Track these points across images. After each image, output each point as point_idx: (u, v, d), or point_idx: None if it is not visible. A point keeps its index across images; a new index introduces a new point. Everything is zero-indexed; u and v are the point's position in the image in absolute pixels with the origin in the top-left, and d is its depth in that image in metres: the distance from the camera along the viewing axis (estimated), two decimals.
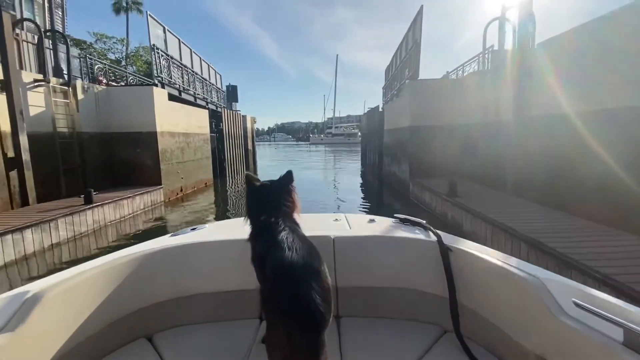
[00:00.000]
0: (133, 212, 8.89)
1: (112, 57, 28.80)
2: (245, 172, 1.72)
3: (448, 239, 1.71)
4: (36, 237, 5.96)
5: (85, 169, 9.22)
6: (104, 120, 9.97)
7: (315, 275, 1.11)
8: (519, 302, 1.27)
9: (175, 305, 1.72)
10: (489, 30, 9.44)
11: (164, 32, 12.21)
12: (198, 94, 15.69)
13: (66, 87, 8.82)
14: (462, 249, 1.59)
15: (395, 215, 2.07)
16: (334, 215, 2.29)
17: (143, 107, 10.21)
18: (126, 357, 1.47)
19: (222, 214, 10.54)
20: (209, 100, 17.56)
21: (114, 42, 29.94)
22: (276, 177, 1.56)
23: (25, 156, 7.33)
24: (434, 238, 1.70)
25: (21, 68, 8.94)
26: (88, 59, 11.92)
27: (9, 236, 5.47)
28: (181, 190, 11.95)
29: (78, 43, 23.84)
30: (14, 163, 7.19)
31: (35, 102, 7.98)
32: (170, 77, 12.39)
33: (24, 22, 9.91)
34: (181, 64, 13.75)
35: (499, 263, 1.39)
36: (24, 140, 7.29)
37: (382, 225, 2.01)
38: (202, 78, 16.82)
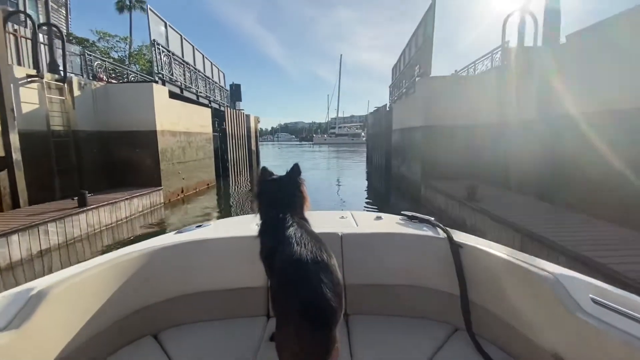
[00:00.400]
0: (131, 215, 8.44)
1: (115, 55, 28.54)
2: (262, 166, 1.64)
3: (457, 235, 1.67)
4: (23, 242, 5.51)
5: (81, 170, 8.78)
6: (102, 118, 9.55)
7: (325, 269, 1.09)
8: (533, 299, 1.24)
9: (181, 303, 1.70)
10: (497, 26, 8.91)
11: (166, 27, 11.78)
12: (200, 92, 15.25)
13: (61, 84, 8.39)
14: (472, 245, 1.55)
15: (402, 212, 2.03)
16: (340, 212, 2.24)
17: (142, 104, 9.77)
18: (132, 355, 1.45)
19: (225, 216, 10.03)
20: (211, 99, 17.13)
21: (117, 41, 29.61)
22: (283, 174, 1.56)
23: (16, 156, 6.90)
24: (442, 235, 1.68)
25: (19, 64, 8.53)
26: (87, 55, 11.50)
27: None
28: (182, 191, 11.51)
29: (81, 41, 23.54)
30: (3, 163, 6.76)
31: (28, 98, 7.56)
32: (172, 74, 11.95)
33: (26, 19, 9.50)
34: (183, 60, 13.32)
35: (511, 259, 1.36)
36: (14, 138, 6.86)
37: (389, 222, 1.98)
38: (205, 76, 16.39)
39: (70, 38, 19.23)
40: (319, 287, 1.02)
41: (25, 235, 5.55)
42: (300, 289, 1.04)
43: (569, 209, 5.72)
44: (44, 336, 1.15)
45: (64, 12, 19.27)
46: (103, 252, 6.34)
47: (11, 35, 9.27)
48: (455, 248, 1.58)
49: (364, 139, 72.00)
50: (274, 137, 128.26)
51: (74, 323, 1.26)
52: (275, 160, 34.14)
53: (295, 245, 1.15)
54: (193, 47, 14.85)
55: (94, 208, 7.14)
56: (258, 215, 1.48)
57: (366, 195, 13.91)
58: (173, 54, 12.15)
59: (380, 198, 13.13)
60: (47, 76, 8.09)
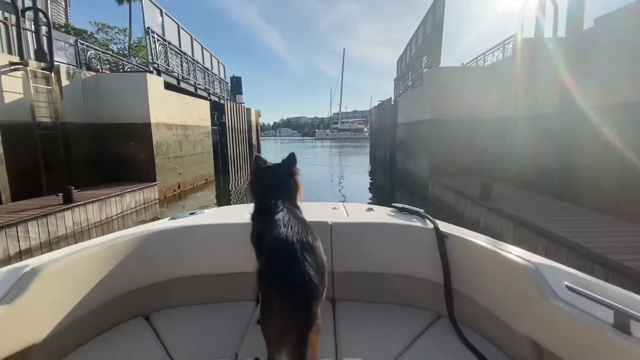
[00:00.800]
0: (122, 212, 8.00)
1: (115, 48, 28.00)
2: (255, 154, 1.66)
3: (444, 226, 1.71)
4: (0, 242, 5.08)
5: (70, 164, 8.33)
6: (93, 109, 9.06)
7: (309, 250, 1.14)
8: (512, 286, 1.29)
9: (173, 286, 1.74)
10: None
11: (162, 15, 11.22)
12: (199, 84, 14.71)
13: (48, 72, 7.90)
14: (457, 235, 1.61)
15: (393, 204, 2.07)
16: (332, 204, 2.27)
17: (136, 95, 9.27)
18: (123, 334, 1.51)
19: None
20: (211, 91, 16.58)
21: (116, 33, 29.04)
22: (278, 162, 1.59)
23: None
24: (430, 226, 1.71)
25: (10, 53, 8.04)
26: (80, 45, 10.98)
27: None
28: (179, 186, 11.06)
29: (79, 33, 22.99)
30: None
31: (11, 87, 7.07)
32: (168, 65, 11.43)
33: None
34: (180, 50, 12.77)
35: (494, 249, 1.42)
36: None
37: (379, 213, 2.02)
38: (204, 67, 15.83)
39: (69, 29, 18.68)
40: (302, 266, 1.07)
41: (1, 235, 5.11)
42: (285, 268, 1.09)
43: (591, 210, 5.21)
44: (36, 312, 1.19)
45: (63, 3, 18.79)
46: None
47: (0, 24, 8.84)
48: (441, 238, 1.62)
49: (367, 134, 71.53)
50: (276, 132, 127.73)
51: (66, 301, 1.31)
52: (276, 155, 33.59)
53: (282, 227, 1.20)
54: (191, 37, 14.28)
55: (80, 205, 6.69)
56: (253, 202, 1.51)
57: (369, 192, 13.38)
58: (169, 43, 11.61)
59: (384, 195, 12.59)
60: (33, 64, 7.61)
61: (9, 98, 7.01)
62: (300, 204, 1.52)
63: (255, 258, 1.41)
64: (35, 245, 5.66)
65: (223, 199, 12.13)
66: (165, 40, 11.27)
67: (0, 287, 1.15)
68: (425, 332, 1.55)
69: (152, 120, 9.46)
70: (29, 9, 8.34)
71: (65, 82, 8.23)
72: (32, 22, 8.39)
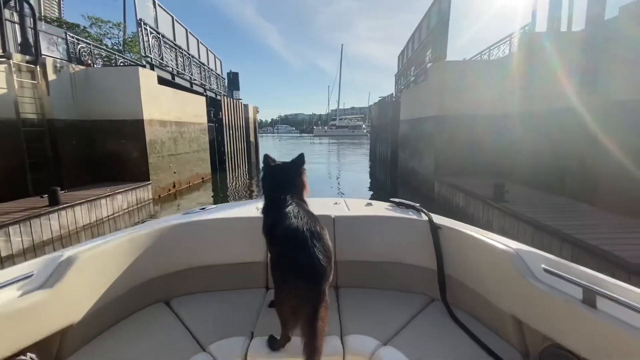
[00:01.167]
0: (113, 214, 7.59)
1: (109, 42, 27.34)
2: (264, 154, 1.77)
3: (437, 219, 1.87)
4: None
5: (58, 163, 7.90)
6: (82, 106, 8.60)
7: (317, 237, 1.31)
8: (497, 270, 1.46)
9: (190, 275, 1.89)
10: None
11: (154, 6, 10.74)
12: (195, 80, 14.24)
13: (33, 66, 7.45)
14: (449, 226, 1.78)
15: (391, 199, 2.22)
16: (333, 199, 2.39)
17: (127, 91, 8.83)
18: (147, 317, 1.66)
19: None
20: (207, 87, 16.10)
21: (110, 27, 28.35)
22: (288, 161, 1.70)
23: None
24: (425, 218, 1.88)
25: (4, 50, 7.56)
26: (69, 37, 10.48)
27: None
28: (174, 186, 10.64)
29: (71, 26, 22.35)
30: None
31: None
32: (162, 59, 10.96)
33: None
34: (175, 44, 12.29)
35: (481, 237, 1.59)
36: None
37: (378, 207, 2.16)
38: (200, 62, 15.34)
39: (61, 23, 18.10)
40: (312, 251, 1.25)
41: None
42: (297, 253, 1.27)
43: (612, 212, 4.87)
44: (73, 295, 1.35)
45: None
46: None
47: None
48: (435, 229, 1.77)
49: (365, 130, 71.27)
50: (274, 129, 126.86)
51: (98, 286, 1.47)
52: (274, 152, 33.10)
53: (293, 218, 1.36)
54: (186, 30, 13.78)
55: (68, 207, 6.28)
56: (263, 196, 1.64)
57: (370, 191, 12.98)
58: (163, 36, 11.13)
59: (386, 195, 12.17)
60: (17, 57, 7.16)
61: None
62: (305, 199, 1.66)
63: (266, 248, 1.61)
64: (17, 251, 5.26)
65: (220, 198, 11.72)
66: (158, 33, 10.79)
67: (42, 273, 1.28)
68: (420, 314, 1.68)
69: (145, 117, 9.02)
70: None
71: (51, 76, 7.77)
72: (17, 14, 7.92)
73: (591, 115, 5.42)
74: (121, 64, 12.63)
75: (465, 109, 8.55)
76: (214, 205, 2.27)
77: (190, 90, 13.44)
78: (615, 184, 5.01)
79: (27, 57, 7.44)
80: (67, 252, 1.41)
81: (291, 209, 1.42)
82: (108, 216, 7.40)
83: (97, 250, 1.49)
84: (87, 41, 11.50)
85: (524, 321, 1.33)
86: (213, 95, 17.05)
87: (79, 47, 10.59)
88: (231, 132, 17.63)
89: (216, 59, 18.67)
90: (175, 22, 12.53)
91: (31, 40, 7.76)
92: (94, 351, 1.42)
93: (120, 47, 25.83)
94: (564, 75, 6.09)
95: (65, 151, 8.08)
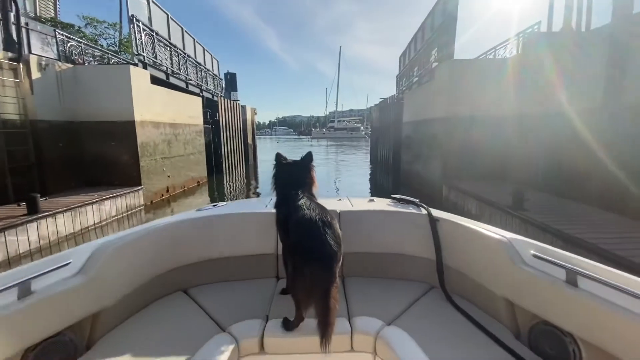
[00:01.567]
0: (100, 222, 7.07)
1: (104, 43, 26.79)
2: (276, 152, 1.88)
3: (436, 213, 2.00)
4: None
5: (43, 167, 7.38)
6: (70, 106, 8.08)
7: (329, 226, 1.42)
8: (491, 258, 1.59)
9: (205, 266, 2.01)
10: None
11: (148, 2, 10.26)
12: (190, 80, 13.75)
13: (16, 64, 6.94)
14: (447, 219, 1.91)
15: (392, 195, 2.38)
16: (338, 197, 2.52)
17: (118, 90, 8.33)
18: (169, 304, 1.79)
19: None
20: (203, 88, 15.61)
21: (105, 27, 27.81)
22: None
23: None
24: (424, 212, 2.00)
25: None
26: (58, 34, 9.97)
27: None
28: (167, 190, 10.13)
29: (65, 26, 21.80)
30: None
31: None
32: (156, 58, 10.47)
33: None
34: (170, 43, 11.81)
35: (476, 228, 1.72)
36: None
37: (380, 203, 2.31)
38: (196, 62, 14.86)
39: (55, 22, 17.58)
40: (324, 237, 1.36)
41: None
42: (312, 239, 1.38)
43: None
44: (103, 283, 1.46)
45: None
46: None
47: None
48: (433, 221, 1.92)
49: (363, 132, 70.81)
50: (272, 131, 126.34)
51: (124, 275, 1.59)
52: (272, 153, 32.61)
53: (306, 210, 1.47)
54: (182, 28, 13.31)
55: (48, 215, 5.76)
56: (274, 192, 1.75)
57: (372, 196, 12.53)
58: (157, 34, 10.65)
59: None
60: None
61: None
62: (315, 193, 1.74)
63: (276, 241, 1.96)
64: None
65: (217, 201, 11.19)
66: (152, 31, 10.30)
67: (78, 261, 1.43)
68: (421, 299, 1.81)
69: (137, 118, 8.52)
70: None
71: (36, 74, 7.26)
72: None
73: (620, 117, 4.98)
74: (115, 64, 12.14)
75: (476, 110, 8.12)
76: (224, 203, 2.42)
77: (185, 90, 12.96)
78: None
79: (10, 54, 6.93)
80: (98, 243, 1.56)
81: (303, 202, 1.52)
82: (95, 224, 6.89)
83: (124, 242, 1.61)
84: (78, 39, 10.99)
85: (515, 302, 1.47)
86: (210, 96, 16.56)
87: (68, 45, 10.09)
88: (228, 133, 17.14)
89: (213, 59, 18.20)
90: (170, 20, 12.06)
91: (14, 36, 7.26)
92: (122, 334, 1.52)
93: (116, 48, 25.32)
94: (589, 74, 5.66)
95: (50, 154, 7.56)
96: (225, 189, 14.04)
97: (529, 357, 1.33)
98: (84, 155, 8.42)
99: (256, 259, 2.06)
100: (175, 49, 12.27)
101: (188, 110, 11.96)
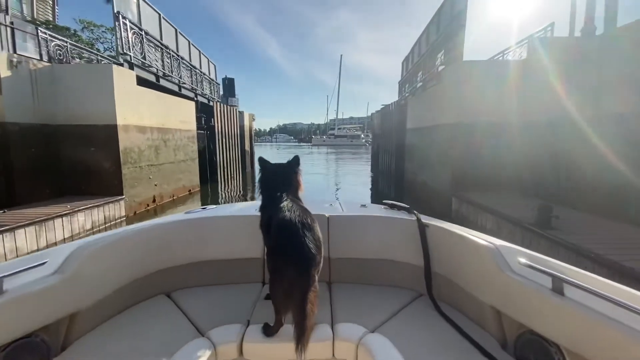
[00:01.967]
0: (72, 236, 6.32)
1: (101, 47, 26.33)
2: (259, 156, 1.88)
3: (426, 219, 1.98)
4: None
5: (10, 174, 6.67)
6: (45, 108, 7.41)
7: (309, 228, 1.43)
8: (479, 264, 1.56)
9: (190, 269, 2.00)
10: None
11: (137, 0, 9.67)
12: (184, 83, 13.12)
13: None
14: (436, 225, 1.90)
15: (384, 201, 2.35)
16: (328, 201, 2.51)
17: (99, 91, 7.67)
18: (149, 308, 1.75)
19: None
20: (198, 92, 14.98)
21: (102, 31, 27.42)
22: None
23: None
24: (414, 218, 1.99)
25: None
26: (40, 32, 9.35)
27: None
28: (154, 200, 9.39)
29: (59, 29, 21.33)
30: None
31: None
32: (144, 58, 9.83)
33: None
34: (161, 43, 11.19)
35: (465, 235, 1.70)
36: None
37: (371, 209, 2.31)
38: (191, 65, 14.24)
39: (49, 26, 17.11)
40: (303, 239, 1.36)
41: None
42: (290, 242, 1.38)
43: None
44: (81, 284, 1.43)
45: (51, 2, 17.52)
46: None
47: None
48: (422, 227, 1.91)
49: (364, 140, 70.38)
50: (272, 138, 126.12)
51: (104, 276, 1.57)
52: (272, 160, 31.87)
53: (287, 212, 1.47)
54: (176, 30, 12.73)
55: (6, 230, 5.03)
56: (260, 195, 1.75)
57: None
58: (147, 33, 10.03)
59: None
60: None
61: None
62: (301, 197, 1.77)
63: (263, 243, 1.78)
64: None
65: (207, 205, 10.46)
66: (141, 29, 9.68)
67: (55, 261, 1.40)
68: (407, 306, 1.79)
69: (119, 122, 7.83)
70: None
71: (5, 72, 6.59)
72: None
73: None
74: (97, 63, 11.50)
75: (489, 115, 7.44)
76: (214, 206, 2.40)
77: (178, 94, 12.32)
78: None
79: None
80: (78, 243, 1.55)
81: (285, 204, 1.53)
82: (64, 239, 6.14)
83: (105, 242, 1.59)
84: (62, 38, 10.38)
85: (502, 311, 1.44)
86: (205, 100, 15.93)
87: (52, 44, 9.45)
88: (224, 140, 16.46)
89: (210, 63, 17.62)
90: (162, 20, 11.47)
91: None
92: (99, 337, 1.49)
93: (114, 53, 24.82)
94: (622, 76, 4.98)
95: (19, 161, 6.85)
96: (220, 198, 13.33)
97: None
98: (61, 162, 7.70)
99: (243, 263, 2.04)
100: (168, 50, 11.65)
101: (180, 115, 11.29)
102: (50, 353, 1.33)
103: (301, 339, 1.25)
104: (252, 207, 2.20)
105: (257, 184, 1.81)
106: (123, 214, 7.86)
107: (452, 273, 1.74)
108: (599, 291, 1.06)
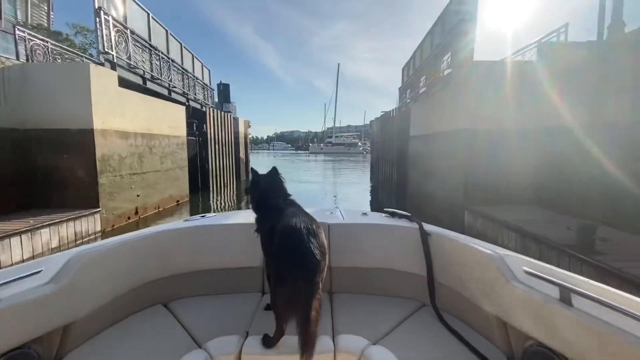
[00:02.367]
0: (33, 257, 5.49)
1: (94, 52, 25.74)
2: (251, 167, 1.98)
3: (428, 227, 1.92)
4: None
5: None
6: (14, 109, 6.64)
7: (314, 235, 1.38)
8: (483, 274, 1.50)
9: (188, 278, 1.95)
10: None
11: None
12: (174, 87, 12.41)
13: None
14: (439, 233, 1.85)
15: (385, 209, 2.29)
16: (329, 209, 2.47)
17: (73, 92, 6.92)
18: (145, 318, 1.70)
19: None
20: (190, 97, 14.28)
21: (96, 36, 26.86)
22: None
23: None
24: (416, 226, 1.93)
25: None
26: (17, 31, 8.63)
27: None
28: (136, 212, 8.56)
29: (52, 34, 20.69)
30: None
31: None
32: (129, 59, 9.12)
33: None
34: (150, 44, 10.51)
35: (468, 243, 1.65)
36: None
37: (372, 217, 2.24)
38: (183, 69, 13.57)
39: (40, 29, 16.48)
40: (308, 246, 1.32)
41: None
42: (295, 248, 1.33)
43: None
44: (76, 294, 1.38)
45: (46, 8, 17.08)
46: None
47: None
48: (425, 235, 1.85)
49: (361, 148, 69.95)
50: (270, 146, 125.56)
51: (100, 286, 1.51)
52: (267, 170, 31.18)
53: (293, 218, 1.43)
54: (167, 31, 12.08)
55: None
56: (253, 204, 1.75)
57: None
58: (133, 32, 9.34)
59: None
60: None
61: None
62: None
63: (262, 251, 1.67)
64: None
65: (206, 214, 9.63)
66: (125, 27, 8.99)
67: (50, 270, 1.34)
68: (410, 317, 1.74)
69: (96, 126, 7.07)
70: None
71: None
72: None
73: None
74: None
75: (506, 121, 6.76)
76: (214, 214, 2.35)
77: (168, 98, 11.60)
78: None
79: None
80: (75, 251, 1.48)
81: (289, 210, 1.52)
82: (23, 261, 5.30)
83: (101, 251, 1.55)
84: (42, 38, 9.66)
85: (508, 322, 1.38)
86: (198, 106, 15.22)
87: (31, 44, 8.71)
88: (217, 147, 15.71)
89: (204, 68, 16.97)
90: (151, 19, 10.82)
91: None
92: (93, 348, 1.45)
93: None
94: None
95: None
96: (212, 208, 12.53)
97: None
98: (29, 170, 6.90)
99: (241, 272, 2.00)
100: (157, 51, 10.97)
101: (168, 120, 10.54)
102: None
103: (306, 346, 1.21)
104: (251, 214, 2.09)
105: (249, 192, 1.81)
106: (98, 228, 7.03)
107: (456, 282, 1.70)
108: (608, 301, 1.02)
